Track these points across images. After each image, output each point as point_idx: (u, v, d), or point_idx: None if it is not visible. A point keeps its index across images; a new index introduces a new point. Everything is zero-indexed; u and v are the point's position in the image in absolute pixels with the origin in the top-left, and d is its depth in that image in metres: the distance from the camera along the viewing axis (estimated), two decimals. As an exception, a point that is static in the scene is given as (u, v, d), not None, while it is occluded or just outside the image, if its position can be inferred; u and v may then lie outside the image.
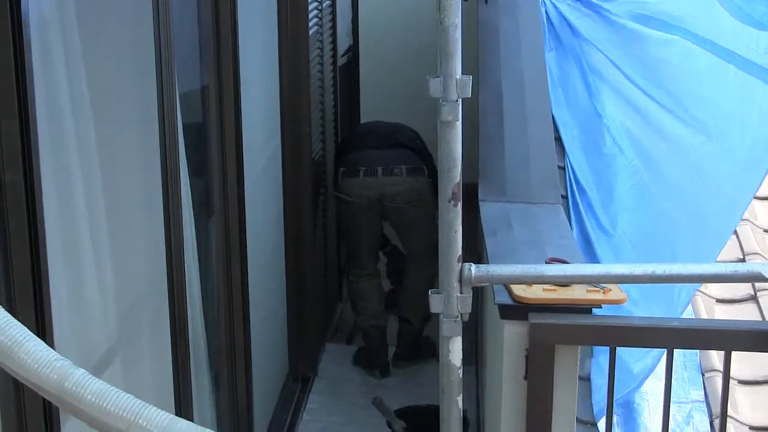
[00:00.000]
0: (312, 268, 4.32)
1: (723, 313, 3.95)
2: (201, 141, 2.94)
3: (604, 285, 2.29)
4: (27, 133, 1.55)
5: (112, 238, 2.03)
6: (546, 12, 4.12)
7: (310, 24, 4.26)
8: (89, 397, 1.13)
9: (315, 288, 4.39)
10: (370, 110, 5.92)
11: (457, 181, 2.07)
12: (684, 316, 3.37)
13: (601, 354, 2.77)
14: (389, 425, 3.60)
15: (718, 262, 3.51)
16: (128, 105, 2.20)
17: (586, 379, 2.82)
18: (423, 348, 4.62)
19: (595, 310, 2.31)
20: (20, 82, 1.54)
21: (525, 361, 2.26)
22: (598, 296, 2.28)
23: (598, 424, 2.72)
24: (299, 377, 4.33)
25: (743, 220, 4.18)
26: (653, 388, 3.15)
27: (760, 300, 3.98)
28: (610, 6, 4.10)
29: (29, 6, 1.56)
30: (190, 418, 2.45)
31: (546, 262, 2.45)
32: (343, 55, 5.42)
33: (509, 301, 2.30)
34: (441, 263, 2.13)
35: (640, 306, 3.02)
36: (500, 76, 3.80)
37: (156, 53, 2.22)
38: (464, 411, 2.30)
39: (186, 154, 2.51)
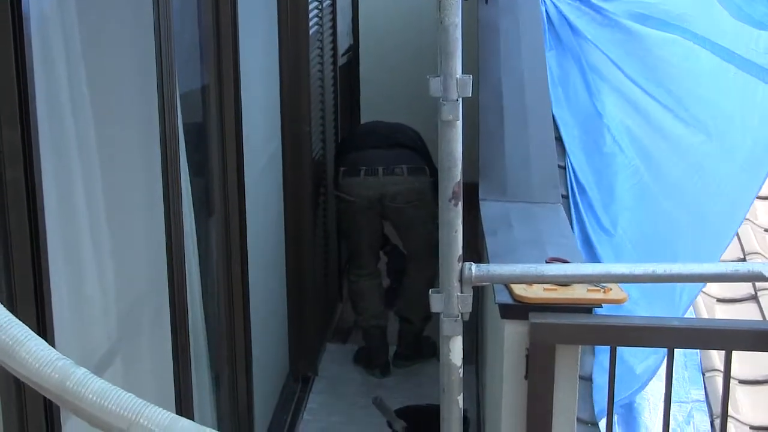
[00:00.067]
0: (312, 268, 4.32)
1: (723, 313, 3.94)
2: (201, 140, 2.94)
3: (604, 284, 2.29)
4: (27, 131, 1.55)
5: (112, 237, 2.03)
6: (546, 11, 4.12)
7: (311, 23, 4.26)
8: (90, 396, 1.13)
9: (315, 288, 4.39)
10: (370, 110, 5.92)
11: (458, 180, 2.07)
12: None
13: (603, 353, 2.77)
14: (389, 425, 3.60)
15: (718, 261, 3.51)
16: (129, 103, 2.20)
17: (587, 379, 2.82)
18: (423, 347, 4.62)
19: (595, 310, 2.31)
20: (21, 80, 1.54)
21: (525, 361, 2.26)
22: (599, 296, 2.28)
23: (599, 424, 2.71)
24: (299, 377, 4.33)
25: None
26: (654, 388, 3.15)
27: (760, 299, 3.98)
28: (610, 5, 4.10)
29: (30, 4, 1.56)
30: (190, 418, 2.44)
31: (546, 262, 2.45)
32: (343, 55, 5.42)
33: (510, 301, 2.30)
34: (441, 263, 2.13)
35: (641, 306, 3.02)
36: (500, 75, 3.80)
37: (156, 52, 2.22)
38: (465, 410, 2.30)
39: (186, 154, 2.51)
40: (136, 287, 2.25)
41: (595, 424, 2.72)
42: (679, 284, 3.18)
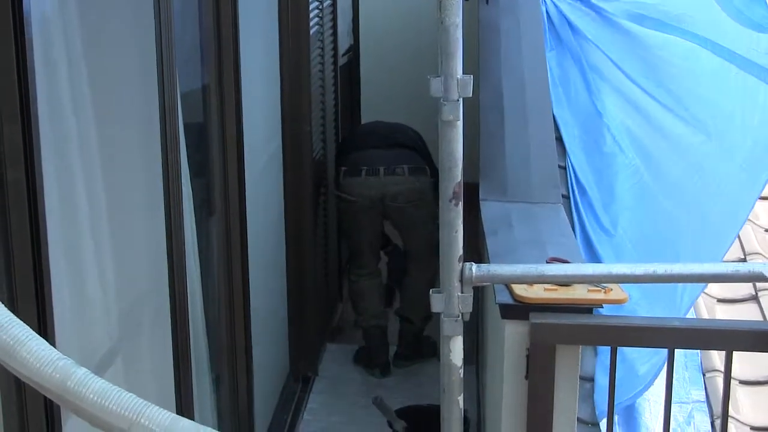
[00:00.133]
0: (313, 268, 4.32)
1: (724, 313, 3.95)
2: (202, 140, 2.95)
3: (605, 285, 2.29)
4: (29, 132, 1.56)
5: (113, 238, 2.03)
6: (546, 11, 4.12)
7: (311, 24, 4.26)
8: (91, 396, 1.13)
9: (316, 287, 4.39)
10: (370, 110, 5.92)
11: (458, 180, 2.06)
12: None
13: (605, 354, 2.77)
14: (390, 425, 3.60)
15: (720, 262, 3.51)
16: (129, 104, 2.20)
17: (588, 380, 2.81)
18: (424, 347, 4.62)
19: (596, 310, 2.31)
20: (22, 80, 1.54)
21: (526, 361, 2.26)
22: (599, 296, 2.28)
23: (600, 424, 2.71)
24: (300, 377, 4.33)
25: (743, 220, 4.18)
26: (654, 389, 3.15)
27: (761, 300, 3.98)
28: (610, 6, 4.10)
29: (31, 5, 1.56)
30: (191, 418, 2.45)
31: (547, 262, 2.45)
32: (343, 55, 5.42)
33: (510, 301, 2.30)
34: (442, 263, 2.13)
35: (641, 307, 3.01)
36: (501, 75, 3.80)
37: (157, 52, 2.22)
38: (465, 411, 2.30)
39: (187, 154, 2.51)
40: (136, 287, 2.25)
41: (596, 425, 2.71)
42: (680, 285, 3.18)
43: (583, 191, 3.50)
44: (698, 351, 3.57)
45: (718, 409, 3.34)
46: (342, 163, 4.52)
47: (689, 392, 3.47)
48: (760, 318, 3.88)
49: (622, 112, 3.82)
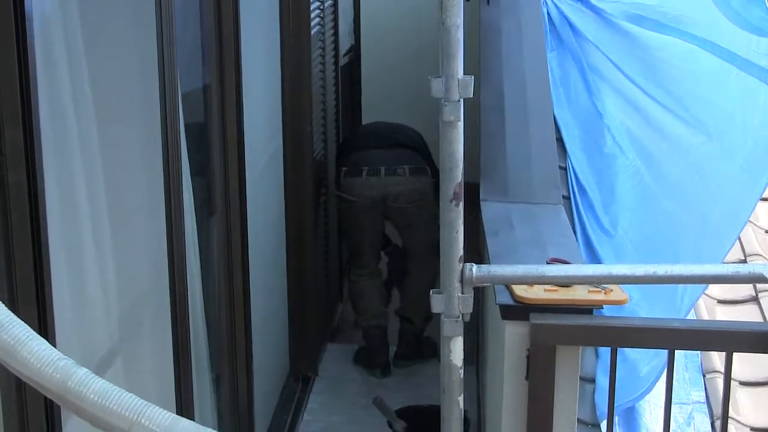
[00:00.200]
0: (313, 268, 4.32)
1: (724, 314, 3.95)
2: (203, 140, 2.95)
3: (605, 286, 2.29)
4: (30, 132, 1.56)
5: (114, 238, 2.04)
6: (547, 12, 4.12)
7: (312, 24, 4.26)
8: (92, 396, 1.13)
9: (316, 287, 4.39)
10: (371, 110, 5.92)
11: (459, 180, 2.07)
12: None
13: (607, 354, 2.77)
14: (390, 425, 3.60)
15: (721, 263, 3.51)
16: (131, 104, 2.20)
17: (589, 380, 2.81)
18: (424, 348, 4.62)
19: (596, 311, 2.31)
20: (23, 81, 1.54)
21: (526, 362, 2.26)
22: (600, 297, 2.28)
23: (601, 425, 2.71)
24: (300, 377, 4.33)
25: (743, 221, 4.18)
26: (655, 390, 3.15)
27: (761, 301, 3.98)
28: (610, 6, 4.10)
29: (32, 5, 1.56)
30: (191, 418, 2.45)
31: (547, 263, 2.45)
32: (344, 55, 5.42)
33: (510, 302, 2.30)
34: (442, 263, 2.13)
35: (642, 308, 3.01)
36: (502, 76, 3.80)
37: (158, 53, 2.22)
38: (465, 411, 2.30)
39: (188, 154, 2.51)
40: (137, 287, 2.25)
41: (597, 425, 2.72)
42: (680, 286, 3.18)
43: (583, 192, 3.51)
44: (698, 352, 3.56)
45: (718, 410, 3.34)
46: (343, 164, 4.52)
47: (689, 393, 3.47)
48: (760, 319, 3.88)
49: (623, 113, 3.82)
